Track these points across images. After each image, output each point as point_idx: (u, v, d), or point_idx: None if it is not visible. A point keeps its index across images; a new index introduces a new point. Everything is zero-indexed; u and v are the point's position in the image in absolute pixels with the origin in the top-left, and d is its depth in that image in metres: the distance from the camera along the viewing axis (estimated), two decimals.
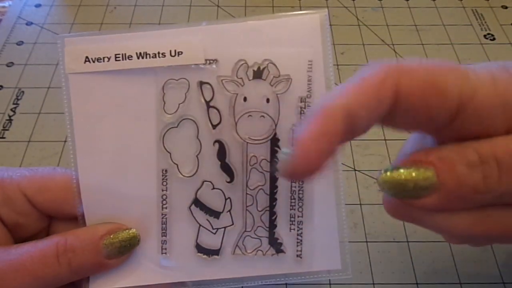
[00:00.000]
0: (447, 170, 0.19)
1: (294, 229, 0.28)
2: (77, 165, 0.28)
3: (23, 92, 0.45)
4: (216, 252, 0.28)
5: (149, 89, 0.28)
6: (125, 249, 0.27)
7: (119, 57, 0.27)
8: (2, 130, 0.42)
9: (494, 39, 0.51)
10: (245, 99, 0.28)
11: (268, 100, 0.28)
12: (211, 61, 0.27)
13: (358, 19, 0.53)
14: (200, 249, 0.28)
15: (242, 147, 0.28)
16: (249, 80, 0.28)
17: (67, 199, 0.28)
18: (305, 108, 0.28)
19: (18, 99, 0.44)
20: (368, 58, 0.49)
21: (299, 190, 0.28)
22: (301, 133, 0.18)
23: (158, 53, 0.27)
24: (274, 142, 0.28)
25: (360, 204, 0.39)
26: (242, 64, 0.27)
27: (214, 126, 0.28)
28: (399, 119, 0.20)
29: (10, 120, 0.43)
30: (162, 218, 0.28)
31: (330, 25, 0.38)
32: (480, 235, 0.21)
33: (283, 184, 0.28)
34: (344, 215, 0.28)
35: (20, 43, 0.50)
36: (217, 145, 0.28)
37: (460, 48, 0.50)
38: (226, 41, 0.27)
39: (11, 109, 0.44)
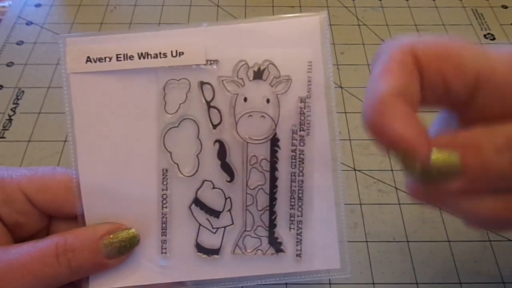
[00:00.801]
0: (473, 155, 0.18)
1: (293, 229, 0.28)
2: (77, 164, 0.28)
3: (23, 92, 0.45)
4: (216, 251, 0.28)
5: (150, 89, 0.28)
6: (125, 249, 0.27)
7: (120, 57, 0.27)
8: (2, 130, 0.42)
9: (494, 39, 0.51)
10: (245, 99, 0.28)
11: (268, 101, 0.28)
12: (212, 62, 0.27)
13: (358, 19, 0.52)
14: (200, 248, 0.28)
15: (242, 147, 0.28)
16: (250, 80, 0.27)
17: (67, 199, 0.27)
18: (304, 108, 0.28)
19: (18, 99, 0.44)
20: (368, 58, 0.49)
21: (299, 190, 0.28)
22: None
23: (160, 53, 0.27)
24: (274, 142, 0.28)
25: (360, 204, 0.39)
26: (243, 64, 0.27)
27: (214, 126, 0.28)
28: (425, 92, 0.20)
29: (10, 120, 0.43)
30: (162, 217, 0.28)
31: (330, 25, 0.38)
32: (505, 220, 0.20)
33: (283, 184, 0.28)
34: (343, 215, 0.28)
35: (20, 43, 0.50)
36: (217, 144, 0.28)
37: None
38: (226, 42, 0.27)
39: (11, 109, 0.44)
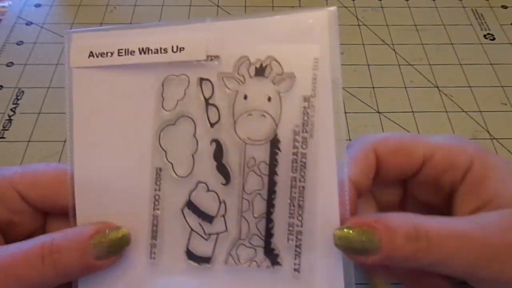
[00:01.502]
0: (389, 238, 0.22)
1: (292, 240, 0.25)
2: (73, 158, 0.27)
3: (23, 92, 0.44)
4: (207, 260, 0.26)
5: (149, 85, 0.26)
6: (115, 249, 0.25)
7: (122, 52, 0.26)
8: (2, 130, 0.41)
9: (494, 39, 0.48)
10: (245, 97, 0.26)
11: (269, 99, 0.25)
12: (213, 58, 0.26)
13: (358, 19, 0.51)
14: (190, 255, 0.26)
15: (240, 148, 0.26)
16: (251, 77, 0.26)
17: (59, 193, 0.26)
18: (308, 108, 0.25)
19: (18, 99, 0.44)
20: (368, 58, 0.47)
21: (299, 197, 0.25)
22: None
23: (160, 48, 0.26)
24: (275, 143, 0.25)
25: None
26: (244, 61, 0.26)
27: (212, 125, 0.26)
28: (381, 175, 0.27)
29: (10, 120, 0.42)
30: (153, 220, 0.26)
31: None
32: None
33: (282, 190, 0.25)
34: None
35: (20, 43, 0.49)
36: (214, 144, 0.26)
37: (460, 48, 0.48)
38: (229, 38, 0.26)
39: (11, 109, 0.43)
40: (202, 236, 0.26)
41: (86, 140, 0.27)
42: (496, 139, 0.40)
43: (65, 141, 0.41)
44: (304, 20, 0.26)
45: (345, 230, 0.24)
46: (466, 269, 0.23)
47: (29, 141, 0.41)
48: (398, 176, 0.27)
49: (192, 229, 0.26)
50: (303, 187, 0.25)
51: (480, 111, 0.42)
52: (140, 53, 0.26)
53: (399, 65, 0.46)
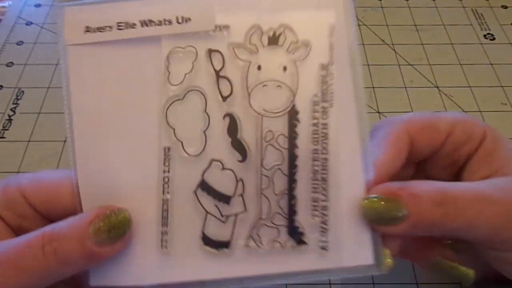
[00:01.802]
0: (415, 205, 0.22)
1: (317, 216, 0.23)
2: (74, 143, 0.24)
3: (23, 92, 0.43)
4: (225, 244, 0.23)
5: (153, 59, 0.24)
6: (115, 234, 0.22)
7: (121, 26, 0.24)
8: (2, 130, 0.40)
9: (494, 39, 0.49)
10: (259, 67, 0.24)
11: (285, 69, 0.24)
12: (222, 28, 0.24)
13: (358, 19, 0.51)
14: (207, 240, 0.23)
15: (256, 121, 0.24)
16: (264, 47, 0.24)
17: (60, 197, 0.24)
18: (327, 76, 0.24)
19: (18, 99, 0.43)
20: (368, 58, 0.46)
21: (322, 170, 0.24)
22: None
23: (164, 20, 0.24)
24: (293, 115, 0.24)
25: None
26: (256, 29, 0.24)
27: (224, 98, 0.24)
28: (412, 155, 0.26)
29: (10, 120, 0.41)
30: (163, 204, 0.24)
31: None
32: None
33: (303, 163, 0.24)
34: None
35: (20, 43, 0.49)
36: (227, 119, 0.24)
37: (460, 48, 0.48)
38: (238, 5, 0.24)
39: (11, 109, 0.42)
40: (219, 219, 0.24)
41: (87, 121, 0.24)
42: None
43: (65, 141, 0.39)
44: None
45: (371, 199, 0.23)
46: (490, 231, 0.22)
47: (29, 141, 0.40)
48: (427, 154, 0.26)
49: (207, 212, 0.24)
50: (326, 159, 0.24)
51: (480, 111, 0.41)
52: (142, 26, 0.24)
53: (399, 65, 0.46)
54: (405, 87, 0.44)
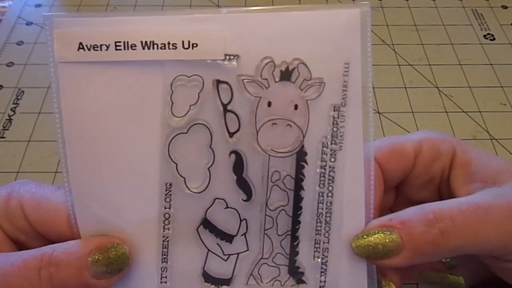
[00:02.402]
0: (409, 231, 0.19)
1: (318, 257, 0.22)
2: (68, 173, 0.20)
3: (23, 92, 0.40)
4: (226, 281, 0.21)
5: (154, 86, 0.20)
6: (112, 269, 0.20)
7: (120, 46, 0.20)
8: (2, 129, 0.37)
9: (494, 39, 0.46)
10: (269, 104, 0.21)
11: (296, 107, 0.21)
12: (232, 57, 0.20)
13: None
14: (207, 278, 0.21)
15: (263, 160, 0.21)
16: (275, 81, 0.21)
17: (57, 224, 0.21)
18: (338, 118, 0.21)
19: (18, 99, 0.39)
20: None
21: (326, 213, 0.21)
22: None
23: (168, 43, 0.20)
24: (301, 156, 0.21)
25: None
26: (268, 62, 0.20)
27: (231, 134, 0.21)
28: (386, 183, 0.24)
29: (10, 120, 0.38)
30: (164, 240, 0.21)
31: None
32: None
33: (308, 205, 0.21)
34: None
35: (20, 43, 0.45)
36: (233, 156, 0.21)
37: (460, 48, 0.45)
38: (250, 34, 0.20)
39: (11, 109, 0.39)
40: (220, 257, 0.21)
41: (81, 151, 0.20)
42: (496, 139, 0.37)
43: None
44: (334, 18, 0.21)
45: (362, 237, 0.21)
46: (496, 243, 0.19)
47: (29, 141, 0.36)
48: (399, 178, 0.24)
49: (208, 250, 0.21)
50: (331, 202, 0.21)
51: (480, 112, 0.39)
52: (143, 48, 0.20)
53: (399, 65, 0.42)
54: (405, 87, 0.41)
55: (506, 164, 0.22)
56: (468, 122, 0.38)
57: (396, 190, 0.25)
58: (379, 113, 0.39)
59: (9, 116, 0.38)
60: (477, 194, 0.21)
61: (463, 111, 0.39)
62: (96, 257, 0.19)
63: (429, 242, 0.19)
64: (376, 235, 0.20)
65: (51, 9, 0.48)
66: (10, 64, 0.43)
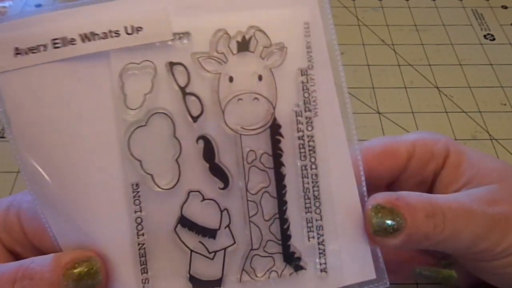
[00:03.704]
0: (412, 216, 0.18)
1: (313, 237, 0.19)
2: (30, 187, 0.17)
3: None
4: (217, 283, 0.18)
5: (102, 80, 0.18)
6: (84, 285, 0.17)
7: (58, 43, 0.17)
8: (2, 129, 0.34)
9: (494, 39, 0.44)
10: (231, 79, 0.18)
11: (260, 77, 0.18)
12: (182, 35, 0.18)
13: (358, 19, 0.45)
14: (195, 282, 0.18)
15: (235, 142, 0.18)
16: (233, 54, 0.18)
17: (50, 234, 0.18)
18: (307, 82, 0.18)
19: None
20: (368, 58, 0.41)
21: (313, 187, 0.18)
22: None
23: (110, 31, 0.17)
24: (275, 129, 0.18)
25: None
26: (223, 34, 0.18)
27: (194, 119, 0.18)
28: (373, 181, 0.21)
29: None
30: (140, 248, 0.18)
31: None
32: None
33: (292, 182, 0.18)
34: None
35: None
36: (201, 142, 0.18)
37: (460, 48, 0.43)
38: (198, 8, 0.18)
39: None
40: (206, 256, 0.18)
41: (38, 166, 0.17)
42: (496, 139, 0.35)
43: None
44: None
45: (376, 208, 0.18)
46: (470, 243, 0.19)
47: None
48: (389, 178, 0.23)
49: (191, 250, 0.18)
50: (316, 174, 0.19)
51: (480, 112, 0.37)
52: (83, 41, 0.17)
53: (399, 65, 0.40)
54: (405, 87, 0.39)
55: (498, 165, 0.21)
56: (468, 122, 0.36)
57: (387, 189, 0.23)
58: (379, 113, 0.37)
59: None
60: (462, 194, 0.20)
61: (463, 111, 0.37)
62: (69, 271, 0.17)
63: (423, 233, 0.18)
64: (386, 212, 0.18)
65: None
66: None
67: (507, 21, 0.45)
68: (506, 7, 0.47)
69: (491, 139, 0.35)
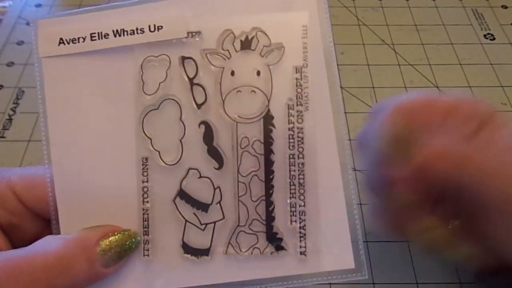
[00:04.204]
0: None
1: (295, 221, 0.20)
2: (50, 158, 0.20)
3: (23, 91, 0.39)
4: (205, 252, 0.20)
5: (127, 69, 0.21)
6: (124, 254, 0.19)
7: (94, 37, 0.20)
8: (2, 129, 0.36)
9: (494, 39, 0.43)
10: (232, 73, 0.20)
11: (258, 73, 0.20)
12: (194, 34, 0.20)
13: (358, 19, 0.45)
14: (187, 249, 0.20)
15: (232, 128, 0.20)
16: (237, 51, 0.20)
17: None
18: (301, 79, 0.20)
19: (18, 99, 0.38)
20: (368, 58, 0.41)
21: (299, 175, 0.20)
22: None
23: (137, 29, 0.20)
24: (268, 119, 0.20)
25: (360, 204, 0.31)
26: (228, 34, 0.20)
27: (199, 106, 0.20)
28: None
29: (10, 119, 0.36)
30: (144, 214, 0.20)
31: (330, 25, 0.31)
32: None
33: (280, 169, 0.20)
34: (355, 202, 0.19)
35: (20, 42, 0.43)
36: (203, 127, 0.20)
37: (460, 48, 0.42)
38: (209, 11, 0.20)
39: (11, 109, 0.37)
40: (198, 227, 0.20)
41: (63, 137, 0.21)
42: None
43: None
44: None
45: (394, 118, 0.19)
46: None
47: (29, 141, 0.35)
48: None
49: (186, 220, 0.20)
50: (303, 163, 0.20)
51: None
52: (115, 36, 0.20)
53: (399, 65, 0.40)
54: (405, 87, 0.38)
55: None
56: None
57: None
58: None
59: (9, 116, 0.37)
60: None
61: None
62: (106, 246, 0.19)
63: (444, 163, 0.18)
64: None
65: (51, 9, 0.46)
66: (10, 64, 0.41)
67: (507, 21, 0.43)
68: (506, 7, 0.45)
69: None
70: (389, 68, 0.40)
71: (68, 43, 0.21)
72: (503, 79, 0.39)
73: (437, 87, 0.38)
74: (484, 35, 0.43)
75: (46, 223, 0.21)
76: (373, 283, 0.28)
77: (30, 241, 0.21)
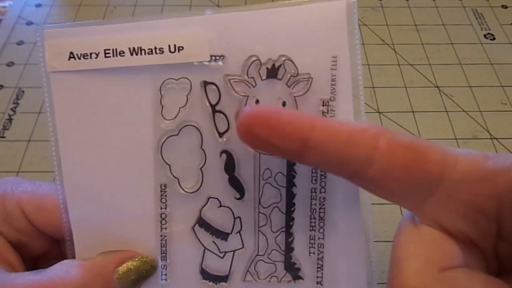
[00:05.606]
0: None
1: (314, 253, 0.19)
2: (62, 180, 0.19)
3: (23, 91, 0.37)
4: (224, 278, 0.19)
5: (144, 91, 0.19)
6: (142, 280, 0.19)
7: (109, 53, 0.18)
8: (2, 129, 0.34)
9: (494, 39, 0.41)
10: (257, 101, 0.18)
11: (284, 104, 0.18)
12: (217, 58, 0.18)
13: (358, 19, 0.43)
14: (205, 275, 0.19)
15: (254, 159, 0.19)
16: (262, 79, 0.18)
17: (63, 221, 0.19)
18: (327, 112, 0.18)
19: (18, 99, 0.36)
20: (368, 58, 0.39)
21: (320, 208, 0.19)
22: None
23: (155, 48, 0.18)
24: None
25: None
26: (254, 60, 0.18)
27: (220, 134, 0.19)
28: None
29: (10, 119, 0.35)
30: (162, 239, 0.19)
31: None
32: None
33: (301, 202, 0.19)
34: (372, 237, 0.19)
35: (20, 42, 0.41)
36: (224, 156, 0.19)
37: (460, 48, 0.40)
38: (234, 34, 0.18)
39: (11, 109, 0.35)
40: (216, 254, 0.19)
41: (75, 157, 0.19)
42: (496, 139, 0.33)
43: None
44: (319, 11, 0.18)
45: None
46: None
47: (29, 141, 0.33)
48: None
49: (205, 248, 0.19)
50: (324, 198, 0.19)
51: (480, 111, 0.35)
52: (132, 54, 0.18)
53: (399, 65, 0.39)
54: (405, 87, 0.37)
55: None
56: (468, 122, 0.35)
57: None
58: (379, 112, 0.36)
59: (9, 116, 0.35)
60: None
61: (464, 111, 0.35)
62: (124, 272, 0.18)
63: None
64: None
65: (51, 9, 0.44)
66: (10, 64, 0.39)
67: (507, 20, 0.42)
68: (506, 7, 0.43)
69: (491, 138, 0.34)
70: (389, 67, 0.39)
71: (79, 58, 0.18)
72: (503, 79, 0.38)
73: (437, 87, 0.38)
74: (484, 35, 0.41)
75: (55, 242, 0.21)
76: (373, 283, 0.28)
77: (38, 257, 0.20)
